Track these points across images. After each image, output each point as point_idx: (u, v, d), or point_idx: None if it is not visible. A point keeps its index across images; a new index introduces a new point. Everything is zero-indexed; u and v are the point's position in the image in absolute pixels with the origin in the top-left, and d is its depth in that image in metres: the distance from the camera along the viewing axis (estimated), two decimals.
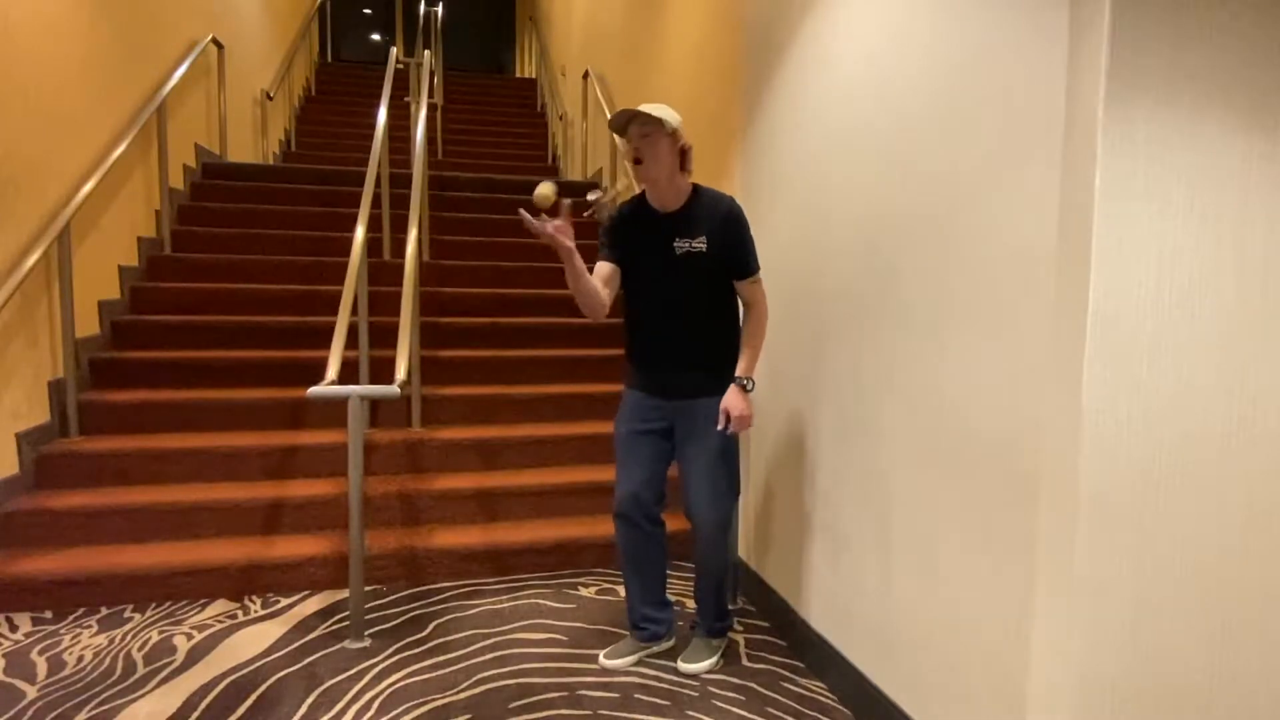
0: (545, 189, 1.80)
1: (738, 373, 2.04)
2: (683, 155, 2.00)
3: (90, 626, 2.36)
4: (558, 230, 1.82)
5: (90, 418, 3.16)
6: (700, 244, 2.00)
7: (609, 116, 1.90)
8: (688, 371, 2.08)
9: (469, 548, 2.80)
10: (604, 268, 2.09)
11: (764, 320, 2.07)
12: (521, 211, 1.81)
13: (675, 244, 2.02)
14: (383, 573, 2.73)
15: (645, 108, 1.96)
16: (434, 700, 1.99)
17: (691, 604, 2.58)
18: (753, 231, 2.07)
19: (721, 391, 2.05)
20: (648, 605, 2.23)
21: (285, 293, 4.00)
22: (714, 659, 2.20)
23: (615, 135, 1.89)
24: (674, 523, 2.92)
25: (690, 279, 2.03)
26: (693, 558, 2.23)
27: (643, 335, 2.12)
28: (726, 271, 2.04)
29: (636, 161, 1.99)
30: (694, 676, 2.14)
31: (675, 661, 2.20)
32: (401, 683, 2.08)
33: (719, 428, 2.03)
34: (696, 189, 2.06)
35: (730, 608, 2.32)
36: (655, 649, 2.25)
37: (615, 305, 2.12)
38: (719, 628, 2.25)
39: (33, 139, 2.99)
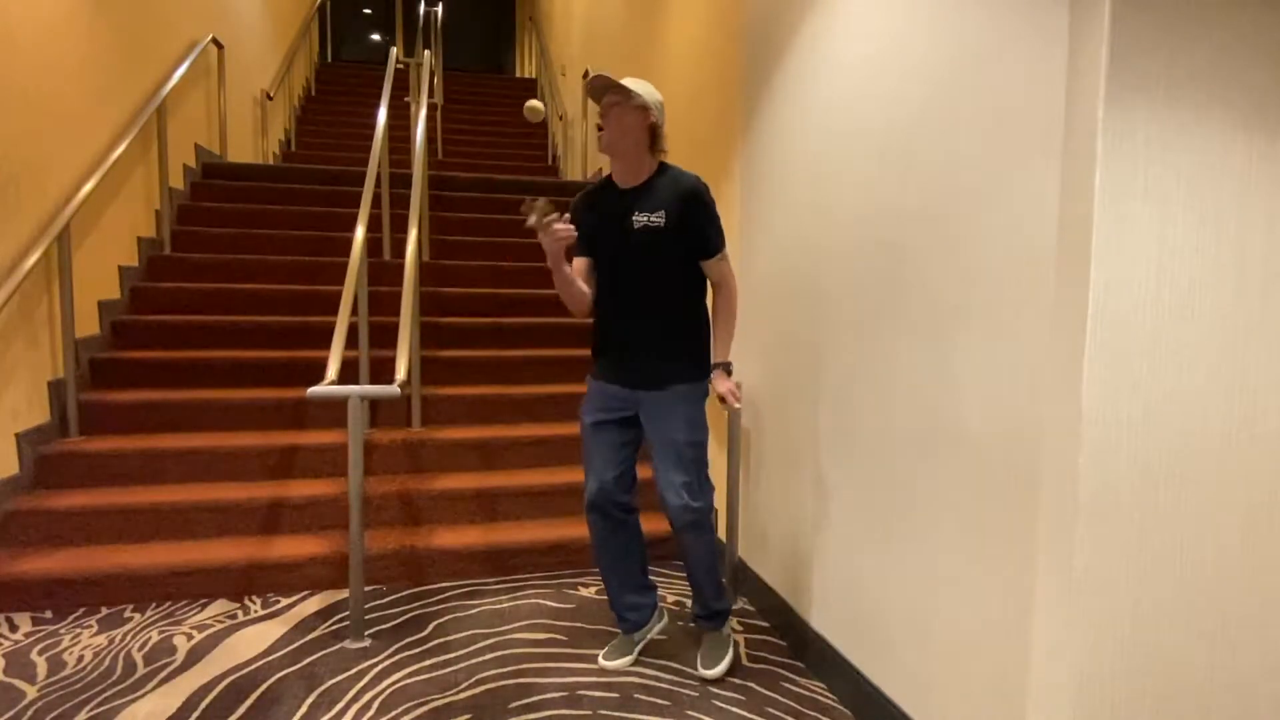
0: (537, 105, 1.98)
1: (717, 358, 2.07)
2: (652, 133, 1.97)
3: (90, 626, 2.36)
4: (560, 232, 1.84)
5: (90, 418, 3.16)
6: (658, 218, 1.97)
7: (586, 80, 1.88)
8: (651, 360, 2.04)
9: (469, 548, 2.80)
10: (580, 263, 2.12)
11: (734, 299, 2.06)
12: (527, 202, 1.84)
13: (634, 218, 1.99)
14: (383, 573, 2.73)
15: (625, 81, 1.93)
16: (434, 700, 1.99)
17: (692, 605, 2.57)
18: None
19: (685, 380, 2.03)
20: (629, 592, 2.20)
21: (285, 293, 4.00)
22: (731, 654, 2.17)
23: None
24: (652, 523, 2.92)
25: (649, 257, 2.00)
26: (678, 553, 2.22)
27: (607, 320, 2.10)
28: (688, 250, 2.00)
29: (600, 129, 1.98)
30: (707, 680, 2.10)
31: (695, 667, 2.15)
32: (401, 683, 2.08)
33: (733, 406, 2.07)
34: (663, 167, 2.03)
35: (732, 607, 2.32)
36: (647, 634, 2.23)
37: None
38: (717, 609, 2.18)
39: (33, 139, 2.99)
